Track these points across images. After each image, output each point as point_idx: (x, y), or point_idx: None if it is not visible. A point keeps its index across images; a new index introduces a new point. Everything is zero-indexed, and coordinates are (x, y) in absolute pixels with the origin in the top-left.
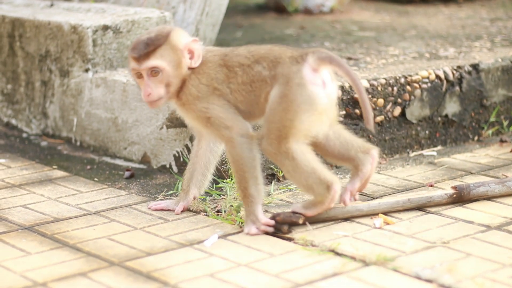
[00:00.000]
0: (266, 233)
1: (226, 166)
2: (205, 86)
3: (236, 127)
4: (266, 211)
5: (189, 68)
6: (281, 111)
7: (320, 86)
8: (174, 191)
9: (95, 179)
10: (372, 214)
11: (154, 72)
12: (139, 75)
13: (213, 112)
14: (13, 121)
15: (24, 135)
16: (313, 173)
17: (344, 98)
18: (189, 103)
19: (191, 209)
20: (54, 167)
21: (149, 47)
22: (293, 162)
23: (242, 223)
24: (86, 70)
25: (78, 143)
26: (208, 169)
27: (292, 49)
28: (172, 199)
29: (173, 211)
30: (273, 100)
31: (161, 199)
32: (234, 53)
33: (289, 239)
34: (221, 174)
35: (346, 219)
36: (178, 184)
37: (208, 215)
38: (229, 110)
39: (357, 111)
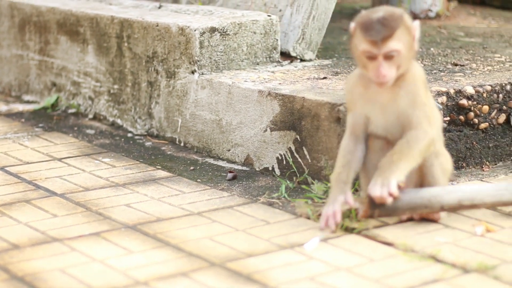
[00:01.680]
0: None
1: (328, 171)
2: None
3: (433, 130)
4: None
5: None
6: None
7: None
8: (278, 194)
9: (198, 180)
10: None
11: (390, 55)
12: (371, 57)
13: (429, 103)
14: (119, 121)
15: (129, 135)
16: None
17: (449, 104)
18: (412, 85)
19: (296, 212)
20: (158, 167)
21: (388, 30)
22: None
23: (343, 226)
24: (192, 72)
25: (182, 144)
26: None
27: None
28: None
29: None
30: None
31: (262, 202)
32: None
33: (390, 244)
34: (320, 178)
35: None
36: (282, 187)
37: (309, 219)
38: (436, 115)
39: (461, 117)
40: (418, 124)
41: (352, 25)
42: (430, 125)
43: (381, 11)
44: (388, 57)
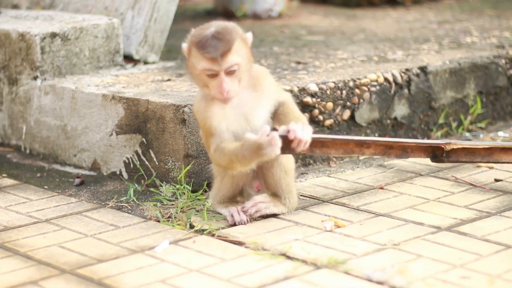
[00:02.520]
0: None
1: (175, 172)
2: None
3: None
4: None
5: None
6: None
7: None
8: (127, 197)
9: (45, 186)
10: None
11: (231, 70)
12: (212, 75)
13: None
14: None
15: None
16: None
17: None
18: (268, 81)
19: (145, 215)
20: (4, 175)
21: (226, 45)
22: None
23: (193, 227)
24: (35, 78)
25: (27, 151)
26: None
27: None
28: (122, 205)
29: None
30: None
31: (111, 206)
32: None
33: (241, 244)
34: (168, 180)
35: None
36: (130, 190)
37: (159, 221)
38: None
39: (306, 115)
40: (287, 99)
41: (185, 44)
42: None
43: (213, 27)
44: (230, 72)
